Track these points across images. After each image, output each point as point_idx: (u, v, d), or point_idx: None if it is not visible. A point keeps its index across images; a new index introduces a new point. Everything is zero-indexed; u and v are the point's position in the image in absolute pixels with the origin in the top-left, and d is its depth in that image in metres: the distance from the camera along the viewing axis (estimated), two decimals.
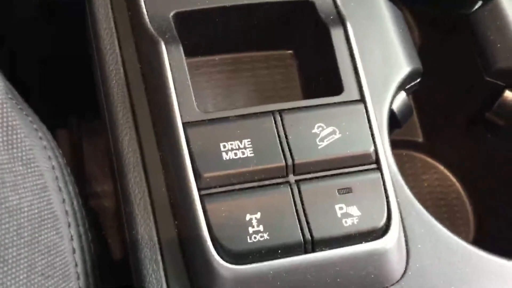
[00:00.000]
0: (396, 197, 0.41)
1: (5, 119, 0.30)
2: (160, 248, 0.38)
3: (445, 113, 0.65)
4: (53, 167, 0.37)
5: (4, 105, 0.30)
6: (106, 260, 0.53)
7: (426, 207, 0.44)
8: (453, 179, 0.66)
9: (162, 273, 0.38)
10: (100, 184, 0.76)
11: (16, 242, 0.28)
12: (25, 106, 0.39)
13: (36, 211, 0.31)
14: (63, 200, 0.37)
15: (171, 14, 0.42)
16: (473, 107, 0.60)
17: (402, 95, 0.48)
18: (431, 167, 0.66)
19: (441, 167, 0.66)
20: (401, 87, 0.47)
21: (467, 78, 0.59)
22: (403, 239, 0.41)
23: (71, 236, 0.36)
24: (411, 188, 0.44)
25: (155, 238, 0.38)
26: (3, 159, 0.29)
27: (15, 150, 0.30)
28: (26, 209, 0.30)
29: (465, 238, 0.46)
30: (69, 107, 0.75)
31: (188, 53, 0.41)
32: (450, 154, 0.66)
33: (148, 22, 0.41)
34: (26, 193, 0.30)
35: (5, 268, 0.26)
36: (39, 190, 0.33)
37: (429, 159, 0.67)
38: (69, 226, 0.36)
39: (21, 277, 0.28)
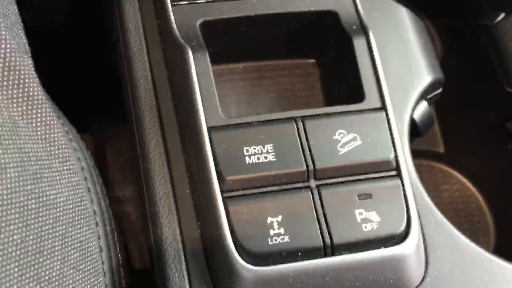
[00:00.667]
0: (416, 204, 0.41)
1: (43, 118, 0.31)
2: (184, 248, 0.39)
3: (466, 123, 0.65)
4: (82, 168, 0.39)
5: (43, 105, 0.32)
6: (127, 263, 0.54)
7: (447, 218, 0.44)
8: (473, 190, 0.66)
9: (185, 273, 0.39)
10: (122, 189, 0.77)
11: (52, 234, 0.29)
12: (56, 108, 0.41)
13: (70, 206, 0.32)
14: (92, 200, 0.38)
15: (198, 22, 0.43)
16: (494, 117, 0.60)
17: (424, 104, 0.49)
18: (451, 177, 0.66)
19: (461, 178, 0.66)
20: (422, 96, 0.48)
21: (488, 89, 0.59)
22: (422, 245, 0.41)
23: (99, 235, 0.37)
24: (431, 198, 0.44)
25: (179, 238, 0.40)
26: (42, 155, 0.30)
27: (52, 148, 0.32)
28: (61, 204, 0.31)
29: (485, 248, 0.46)
30: (92, 111, 0.77)
31: (214, 61, 0.43)
32: (471, 164, 0.66)
33: (176, 30, 0.43)
34: (62, 189, 0.32)
35: (41, 259, 0.28)
36: (73, 187, 0.34)
37: (449, 169, 0.67)
38: (97, 225, 0.38)
39: (55, 268, 0.29)
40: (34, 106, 0.30)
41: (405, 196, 0.40)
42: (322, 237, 0.38)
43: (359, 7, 0.46)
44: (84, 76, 0.72)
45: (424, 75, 0.48)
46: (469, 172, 0.66)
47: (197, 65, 0.41)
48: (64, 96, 0.44)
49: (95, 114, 0.77)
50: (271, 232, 0.38)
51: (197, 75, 0.41)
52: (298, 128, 0.40)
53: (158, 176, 0.41)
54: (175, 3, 0.44)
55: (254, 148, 0.39)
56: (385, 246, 0.39)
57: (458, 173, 0.67)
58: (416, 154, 0.47)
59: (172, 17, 0.43)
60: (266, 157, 0.39)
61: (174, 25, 0.43)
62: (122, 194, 0.77)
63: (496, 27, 0.57)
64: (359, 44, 0.44)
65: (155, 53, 0.44)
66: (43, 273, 0.28)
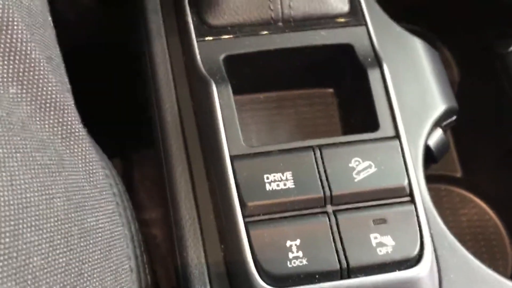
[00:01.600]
0: (430, 228, 0.43)
1: (84, 152, 0.34)
2: (208, 270, 0.42)
3: (483, 148, 0.66)
4: (114, 194, 0.42)
5: (84, 140, 0.35)
6: (154, 284, 0.56)
7: (465, 242, 0.45)
8: (492, 214, 0.66)
9: None
10: (148, 212, 0.79)
11: (92, 258, 0.32)
12: (90, 137, 0.44)
13: (108, 232, 0.35)
14: (123, 224, 0.41)
15: (222, 57, 0.46)
16: (510, 142, 0.61)
17: (438, 131, 0.50)
18: (469, 202, 0.67)
19: (480, 202, 0.67)
20: (436, 124, 0.49)
21: (503, 114, 0.60)
22: (435, 268, 0.42)
23: (130, 257, 0.40)
24: (449, 223, 0.45)
25: (204, 261, 0.42)
26: (84, 185, 0.33)
27: (92, 179, 0.35)
28: (100, 230, 0.34)
29: (503, 272, 0.47)
30: (120, 137, 0.80)
31: (236, 91, 0.45)
32: (489, 188, 0.66)
33: (201, 65, 0.45)
34: (101, 216, 0.34)
35: (81, 281, 0.30)
36: (110, 214, 0.37)
37: (467, 194, 0.68)
38: (127, 247, 0.40)
39: None
40: (76, 141, 0.33)
41: (418, 220, 0.42)
42: (339, 260, 0.40)
43: (374, 39, 0.48)
44: (113, 103, 0.75)
45: (438, 103, 0.49)
46: (487, 196, 0.67)
47: (220, 98, 0.44)
48: (95, 123, 0.47)
49: (123, 139, 0.80)
50: (290, 255, 0.40)
51: (220, 107, 0.43)
52: (315, 156, 0.42)
53: (184, 202, 0.44)
54: (200, 39, 0.47)
55: (274, 176, 0.41)
56: (400, 269, 0.40)
57: (476, 198, 0.67)
58: (433, 178, 0.48)
59: (197, 52, 0.46)
60: (285, 184, 0.41)
61: (199, 60, 0.46)
62: (149, 217, 0.79)
63: (510, 54, 0.58)
64: (373, 75, 0.46)
65: (181, 86, 0.47)
66: None
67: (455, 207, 0.67)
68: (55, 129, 0.31)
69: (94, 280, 0.32)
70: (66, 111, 0.32)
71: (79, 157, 0.34)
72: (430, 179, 0.47)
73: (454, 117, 0.52)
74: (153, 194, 0.82)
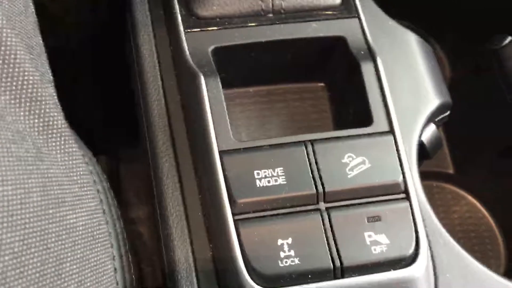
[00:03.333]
0: (425, 226, 0.42)
1: (63, 146, 0.33)
2: (196, 269, 0.40)
3: (476, 145, 0.65)
4: (98, 191, 0.40)
5: (64, 133, 0.33)
6: (140, 283, 0.55)
7: (457, 239, 0.44)
8: (484, 211, 0.66)
9: None
10: (136, 210, 0.78)
11: (70, 258, 0.30)
12: (73, 132, 0.42)
13: (89, 230, 0.33)
14: (107, 222, 0.39)
15: (210, 49, 0.45)
16: (504, 140, 0.61)
17: (432, 127, 0.50)
18: (461, 199, 0.67)
19: (472, 199, 0.66)
20: (430, 119, 0.48)
21: (497, 111, 0.60)
22: (431, 267, 0.42)
23: (114, 256, 0.38)
24: (441, 220, 0.45)
25: (191, 260, 0.40)
26: (63, 180, 0.31)
27: (72, 174, 0.33)
28: (80, 228, 0.32)
29: (495, 270, 0.46)
30: (107, 134, 0.78)
31: (225, 85, 0.43)
32: (481, 186, 0.66)
33: (189, 57, 0.44)
34: (82, 213, 0.33)
35: (59, 282, 0.28)
36: (92, 212, 0.35)
37: (459, 191, 0.67)
38: (111, 246, 0.39)
39: None
40: (55, 134, 0.32)
41: (413, 218, 0.41)
42: (332, 259, 0.39)
43: (367, 32, 0.47)
44: (100, 99, 0.74)
45: (431, 98, 0.48)
46: (480, 194, 0.66)
47: (209, 91, 0.42)
48: (80, 118, 0.46)
49: (110, 136, 0.79)
50: (282, 254, 0.38)
51: (209, 101, 0.42)
52: (307, 152, 0.41)
53: (171, 199, 0.42)
54: (188, 30, 0.45)
55: (265, 172, 0.40)
56: (395, 269, 0.39)
57: (469, 195, 0.67)
58: (426, 175, 0.48)
59: (185, 43, 0.45)
60: (276, 180, 0.40)
61: (187, 52, 0.44)
62: (136, 215, 0.78)
63: (503, 50, 0.58)
64: (367, 69, 0.45)
65: (168, 79, 0.46)
66: None
67: (448, 204, 0.66)
68: (32, 120, 0.30)
69: (74, 281, 0.30)
70: (45, 102, 0.31)
71: (59, 151, 0.32)
72: (422, 175, 0.46)
73: (447, 113, 0.51)
74: (141, 191, 0.80)
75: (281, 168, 0.40)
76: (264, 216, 0.39)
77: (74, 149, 0.34)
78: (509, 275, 0.49)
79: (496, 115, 0.61)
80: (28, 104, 0.29)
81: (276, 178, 0.40)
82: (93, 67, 0.69)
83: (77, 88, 0.67)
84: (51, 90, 0.33)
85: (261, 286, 0.38)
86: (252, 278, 0.38)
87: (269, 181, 0.40)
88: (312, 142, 0.42)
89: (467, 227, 0.65)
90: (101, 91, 0.73)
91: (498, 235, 0.64)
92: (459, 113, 0.53)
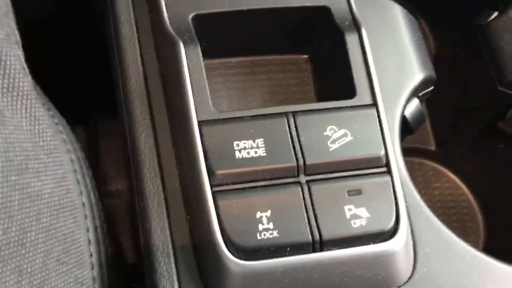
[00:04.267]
0: (406, 201, 0.41)
1: (29, 109, 0.31)
2: (172, 242, 0.39)
3: (458, 121, 0.65)
4: (71, 160, 0.39)
5: (29, 96, 0.31)
6: (118, 256, 0.54)
7: (437, 216, 0.44)
8: (464, 188, 0.66)
9: (173, 266, 0.39)
10: (115, 183, 0.77)
11: (35, 227, 0.29)
12: (46, 99, 0.41)
13: (56, 198, 0.32)
14: (81, 193, 0.38)
15: (191, 16, 0.43)
16: (486, 116, 0.60)
17: (415, 102, 0.49)
18: (442, 176, 0.67)
19: (453, 176, 0.66)
20: (414, 93, 0.48)
21: (480, 88, 0.59)
22: (411, 242, 0.41)
23: (87, 227, 0.37)
24: (422, 196, 0.44)
25: (168, 232, 0.39)
26: (27, 146, 0.30)
27: (38, 139, 0.32)
28: (46, 196, 0.31)
29: (474, 247, 0.46)
30: (86, 105, 0.77)
31: (206, 55, 0.42)
32: (462, 163, 0.66)
33: (168, 23, 0.42)
34: (48, 181, 0.31)
35: (23, 251, 0.27)
36: (59, 179, 0.34)
37: (440, 168, 0.67)
38: (85, 217, 0.37)
39: (37, 261, 0.29)
40: (20, 98, 0.30)
41: (394, 193, 0.40)
42: (311, 232, 0.38)
43: (352, 3, 0.46)
44: (78, 69, 0.72)
45: (416, 72, 0.48)
46: (460, 171, 0.66)
47: (188, 59, 0.41)
48: (57, 89, 0.44)
49: (89, 107, 0.77)
50: (260, 227, 0.38)
51: (188, 69, 0.41)
52: (289, 123, 0.40)
53: (148, 170, 0.41)
54: None
55: (245, 143, 0.39)
56: (374, 242, 0.39)
57: (449, 172, 0.67)
58: (407, 151, 0.47)
59: (164, 10, 0.43)
60: (256, 152, 0.39)
61: (166, 18, 0.43)
62: (115, 188, 0.76)
63: (489, 25, 0.57)
64: (351, 40, 0.44)
65: (147, 46, 0.44)
66: (24, 265, 0.28)
67: (428, 180, 0.66)
68: None
69: (39, 250, 0.29)
70: (9, 63, 0.29)
71: (24, 114, 0.31)
72: (403, 152, 0.46)
73: (431, 87, 0.50)
74: (120, 165, 0.79)
75: (262, 140, 0.39)
76: (243, 188, 0.39)
77: (40, 113, 0.33)
78: (487, 251, 0.49)
79: (479, 90, 0.60)
80: None
81: (256, 149, 0.39)
82: (70, 36, 0.67)
83: (53, 57, 0.65)
84: (17, 52, 0.31)
85: (239, 259, 0.37)
86: (229, 251, 0.37)
87: (248, 153, 0.39)
88: (294, 113, 0.41)
89: (447, 204, 0.65)
90: (78, 60, 0.71)
91: (477, 212, 0.65)
92: (442, 89, 0.52)
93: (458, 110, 0.65)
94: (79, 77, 0.72)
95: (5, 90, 0.29)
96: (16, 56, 0.30)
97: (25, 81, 0.31)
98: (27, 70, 0.32)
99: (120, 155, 0.79)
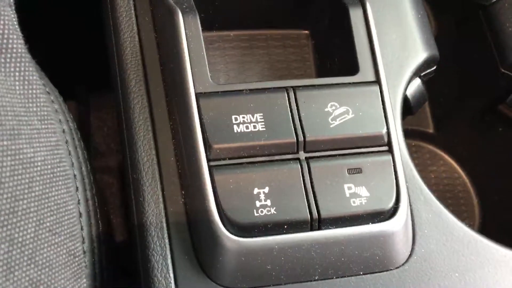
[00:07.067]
0: (406, 181, 0.41)
1: (22, 72, 0.29)
2: (166, 217, 0.38)
3: (457, 104, 0.65)
4: (63, 131, 0.37)
5: (23, 59, 0.30)
6: (108, 233, 0.53)
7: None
8: (461, 172, 0.65)
9: (166, 241, 0.38)
10: (105, 159, 0.75)
11: (27, 195, 0.28)
12: (38, 68, 0.39)
13: (49, 167, 0.31)
14: (72, 164, 0.37)
15: None
16: (486, 99, 0.60)
17: (417, 81, 0.48)
18: (439, 159, 0.66)
19: (449, 159, 0.66)
20: (416, 73, 0.47)
21: (482, 69, 0.58)
22: (410, 223, 0.41)
23: (78, 200, 0.36)
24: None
25: (162, 207, 0.38)
26: (20, 111, 0.28)
27: (31, 104, 0.30)
28: (39, 163, 0.29)
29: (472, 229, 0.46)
30: (78, 80, 0.75)
31: (204, 27, 0.41)
32: (459, 146, 0.65)
33: None
34: (41, 148, 0.30)
35: (14, 220, 0.26)
36: (52, 147, 0.32)
37: (437, 151, 0.66)
38: (77, 190, 0.36)
39: (29, 230, 0.28)
40: (13, 59, 0.28)
41: (395, 172, 0.39)
42: (310, 210, 0.37)
43: None
44: (71, 44, 0.70)
45: (419, 51, 0.47)
46: (457, 154, 0.66)
47: (187, 29, 0.39)
48: (49, 63, 0.43)
49: (81, 82, 0.75)
50: (257, 203, 0.37)
51: (186, 39, 0.39)
52: (289, 98, 0.39)
53: (142, 142, 0.40)
54: None
55: (243, 117, 0.38)
56: (373, 222, 0.38)
57: (446, 155, 0.66)
58: (405, 133, 0.46)
59: None
60: (255, 126, 0.38)
61: None
62: (105, 164, 0.75)
63: (493, 6, 0.56)
64: (355, 15, 0.43)
65: (143, 15, 0.43)
66: (16, 235, 0.27)
67: (425, 163, 0.65)
68: None
69: (31, 220, 0.28)
70: (2, 24, 0.27)
71: (17, 77, 0.29)
72: None
73: (434, 67, 0.49)
74: (111, 141, 0.78)
75: (261, 114, 0.38)
76: (240, 164, 0.38)
77: (34, 77, 0.31)
78: (482, 233, 0.49)
79: (479, 72, 0.60)
80: None
81: (255, 124, 0.38)
82: (63, 5, 0.65)
83: (45, 28, 0.63)
84: (10, 13, 0.30)
85: (235, 235, 0.36)
86: (225, 227, 0.36)
87: (247, 127, 0.38)
88: (295, 88, 0.40)
89: (443, 187, 0.65)
90: (73, 35, 0.69)
91: (473, 196, 0.64)
92: (443, 71, 0.51)
93: (458, 92, 0.64)
94: (72, 51, 0.71)
95: None
96: (9, 16, 0.29)
97: (19, 43, 0.30)
98: (20, 32, 0.31)
99: (111, 131, 0.78)
